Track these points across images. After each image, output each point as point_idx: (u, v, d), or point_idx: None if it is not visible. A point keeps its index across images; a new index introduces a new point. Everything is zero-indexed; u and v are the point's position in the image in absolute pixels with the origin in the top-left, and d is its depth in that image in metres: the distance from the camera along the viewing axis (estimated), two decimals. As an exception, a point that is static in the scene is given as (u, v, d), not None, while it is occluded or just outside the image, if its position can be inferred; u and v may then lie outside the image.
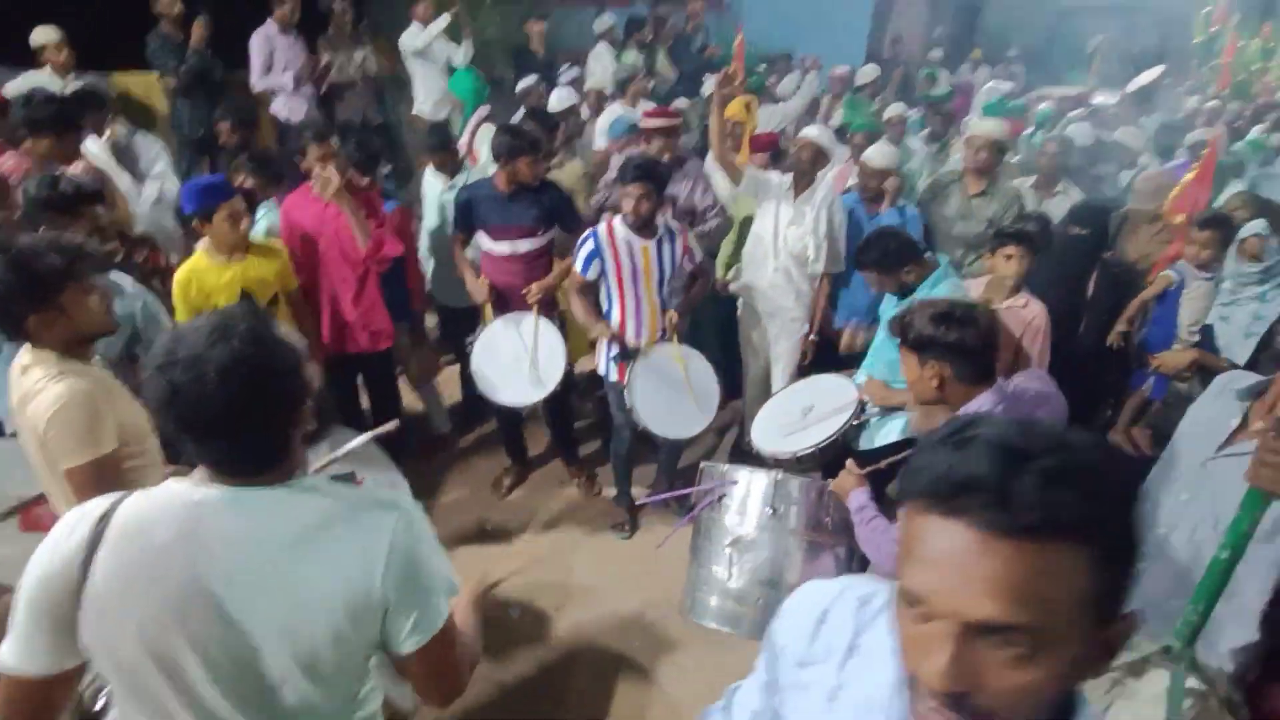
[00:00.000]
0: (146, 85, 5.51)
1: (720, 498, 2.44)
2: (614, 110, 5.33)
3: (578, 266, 3.28)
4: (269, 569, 1.11)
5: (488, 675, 2.80)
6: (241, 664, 1.11)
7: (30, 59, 4.48)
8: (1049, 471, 0.62)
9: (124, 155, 3.96)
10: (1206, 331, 3.07)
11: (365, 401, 3.76)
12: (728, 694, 1.08)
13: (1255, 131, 5.87)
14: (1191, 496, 1.68)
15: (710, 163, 4.12)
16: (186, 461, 1.17)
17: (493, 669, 2.83)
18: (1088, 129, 5.26)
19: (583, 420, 4.39)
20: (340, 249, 3.31)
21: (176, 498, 1.12)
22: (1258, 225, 3.09)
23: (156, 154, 4.10)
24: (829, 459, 2.75)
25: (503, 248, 3.47)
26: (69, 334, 1.77)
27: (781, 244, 3.66)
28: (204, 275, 2.81)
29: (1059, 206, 4.17)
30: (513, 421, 3.81)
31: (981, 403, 1.85)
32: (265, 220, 3.50)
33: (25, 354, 1.79)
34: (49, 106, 3.22)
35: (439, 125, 4.25)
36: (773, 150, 4.12)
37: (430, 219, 4.02)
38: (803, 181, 3.63)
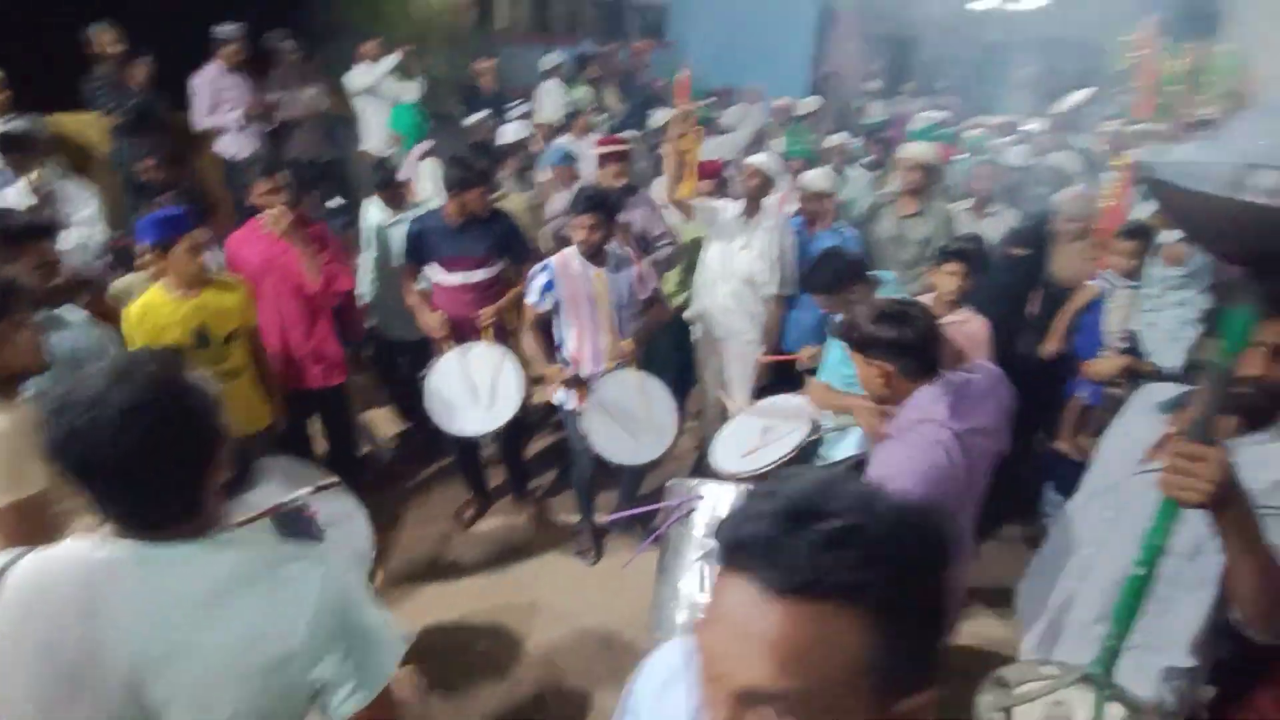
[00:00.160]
0: (85, 126, 5.42)
1: (689, 513, 2.46)
2: (560, 143, 5.45)
3: (531, 298, 3.30)
4: (178, 635, 1.01)
5: (457, 707, 2.76)
6: None
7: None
8: (830, 533, 0.60)
9: (50, 200, 3.84)
10: (1136, 337, 3.23)
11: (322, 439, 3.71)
12: None
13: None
14: (1116, 515, 1.62)
15: (660, 191, 4.24)
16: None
17: (461, 701, 2.79)
18: (1021, 153, 5.52)
19: (540, 448, 4.39)
20: (291, 284, 3.29)
21: (77, 557, 1.03)
22: (1179, 232, 3.28)
23: (85, 200, 3.96)
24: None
25: (455, 278, 3.49)
26: None
27: (733, 268, 3.76)
28: (159, 309, 2.75)
29: (993, 227, 4.37)
30: (471, 453, 3.79)
31: (928, 395, 1.90)
32: None
33: None
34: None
35: (384, 160, 4.26)
36: (717, 177, 4.24)
37: (371, 252, 4.02)
38: (751, 207, 3.74)
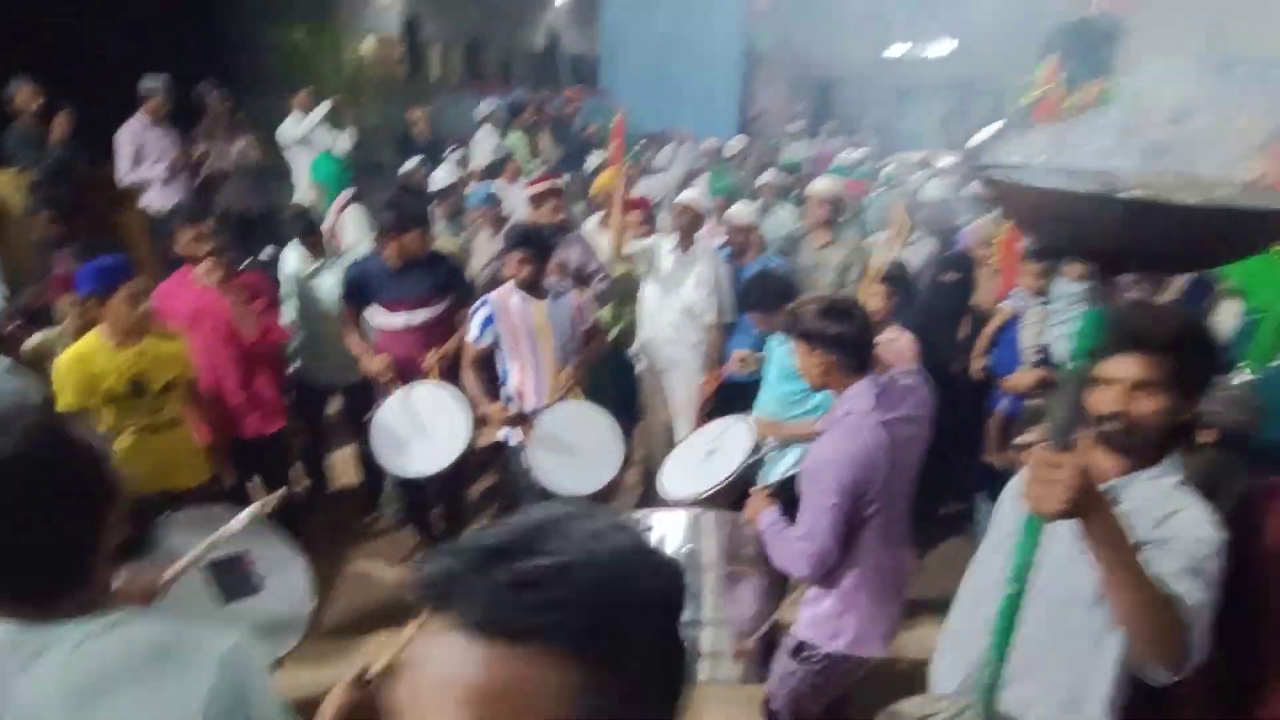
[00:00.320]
0: (2, 184, 5.26)
1: None
2: (483, 185, 5.55)
3: (471, 335, 3.33)
4: None
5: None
6: None
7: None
8: (525, 571, 0.56)
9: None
10: (1049, 350, 3.43)
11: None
12: None
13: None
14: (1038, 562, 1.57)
15: (593, 228, 4.35)
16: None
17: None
18: (938, 185, 5.84)
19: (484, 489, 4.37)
20: (222, 333, 3.25)
21: None
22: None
23: None
24: (736, 497, 2.88)
25: (398, 319, 3.49)
26: None
27: (672, 301, 3.87)
28: (95, 358, 2.68)
29: (916, 254, 4.61)
30: (418, 496, 3.75)
31: (857, 390, 2.05)
32: None
33: None
34: None
35: (302, 208, 4.16)
36: (645, 212, 4.36)
37: (292, 301, 3.94)
38: (685, 241, 3.87)
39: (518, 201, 5.01)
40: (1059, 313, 3.49)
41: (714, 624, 2.31)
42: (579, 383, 3.39)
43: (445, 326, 3.61)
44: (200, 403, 3.08)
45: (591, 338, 3.55)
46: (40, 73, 5.07)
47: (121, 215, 5.41)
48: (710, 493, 2.88)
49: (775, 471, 3.00)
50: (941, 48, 14.01)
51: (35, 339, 3.15)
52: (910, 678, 1.99)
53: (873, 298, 3.17)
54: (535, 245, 3.27)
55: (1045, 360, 3.40)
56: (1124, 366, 1.39)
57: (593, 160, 6.31)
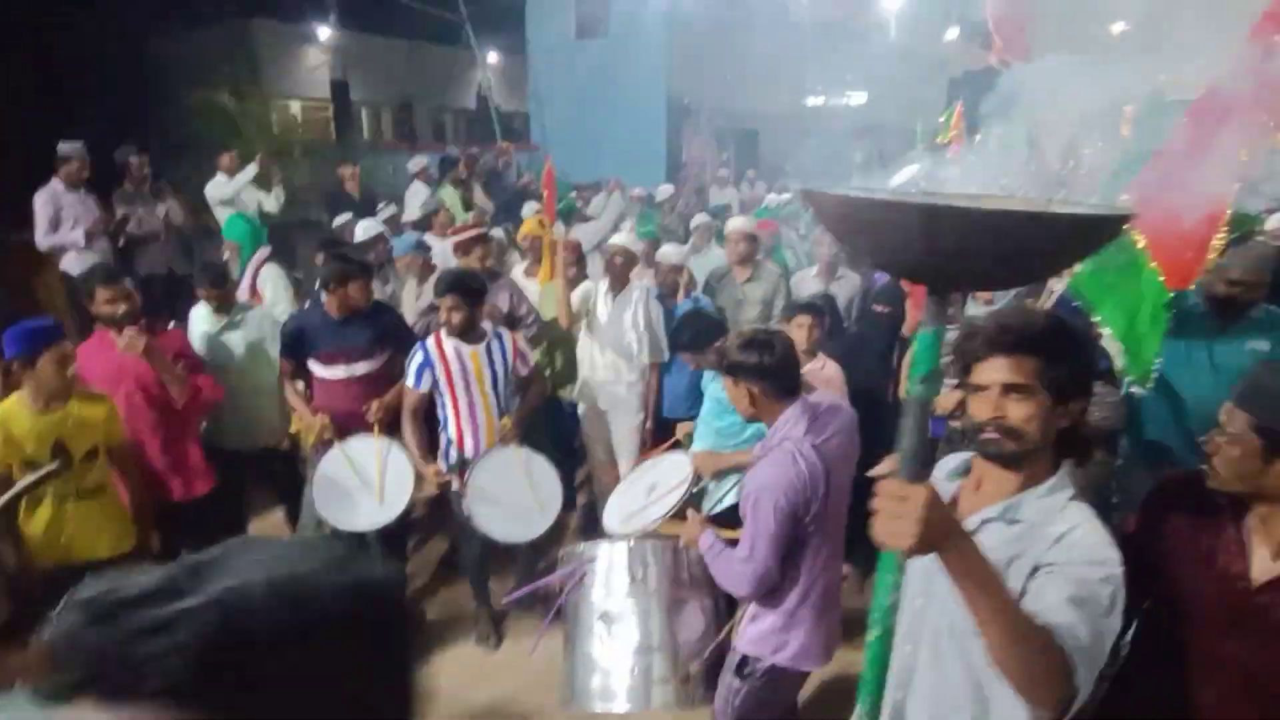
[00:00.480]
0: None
1: (582, 577, 2.50)
2: (410, 233, 5.59)
3: (409, 381, 3.32)
4: None
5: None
6: None
7: None
8: (135, 624, 0.54)
9: None
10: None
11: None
12: None
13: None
14: (926, 602, 1.47)
15: (520, 274, 4.44)
16: None
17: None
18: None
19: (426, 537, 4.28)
20: (145, 395, 3.16)
21: None
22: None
23: None
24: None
25: (338, 372, 3.46)
26: None
27: (609, 343, 3.94)
28: (15, 422, 2.58)
29: (843, 289, 4.81)
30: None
31: (788, 417, 2.14)
32: None
33: None
34: None
35: (212, 263, 4.05)
36: (574, 254, 4.45)
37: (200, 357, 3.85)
38: (618, 284, 3.96)
39: (446, 252, 5.06)
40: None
41: (662, 650, 2.33)
42: (517, 428, 3.38)
43: (386, 378, 3.58)
44: (129, 467, 2.98)
45: (532, 382, 3.57)
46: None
47: (40, 278, 5.24)
48: (654, 526, 2.90)
49: (715, 501, 3.05)
50: (857, 96, 14.78)
51: None
52: (841, 699, 2.03)
53: (797, 330, 3.28)
54: (467, 290, 3.29)
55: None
56: (993, 370, 1.36)
57: (528, 210, 6.41)
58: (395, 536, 3.65)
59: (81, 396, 2.76)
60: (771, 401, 2.16)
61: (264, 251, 4.87)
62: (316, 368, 3.48)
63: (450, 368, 3.31)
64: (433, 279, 4.54)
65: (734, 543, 2.18)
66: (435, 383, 3.32)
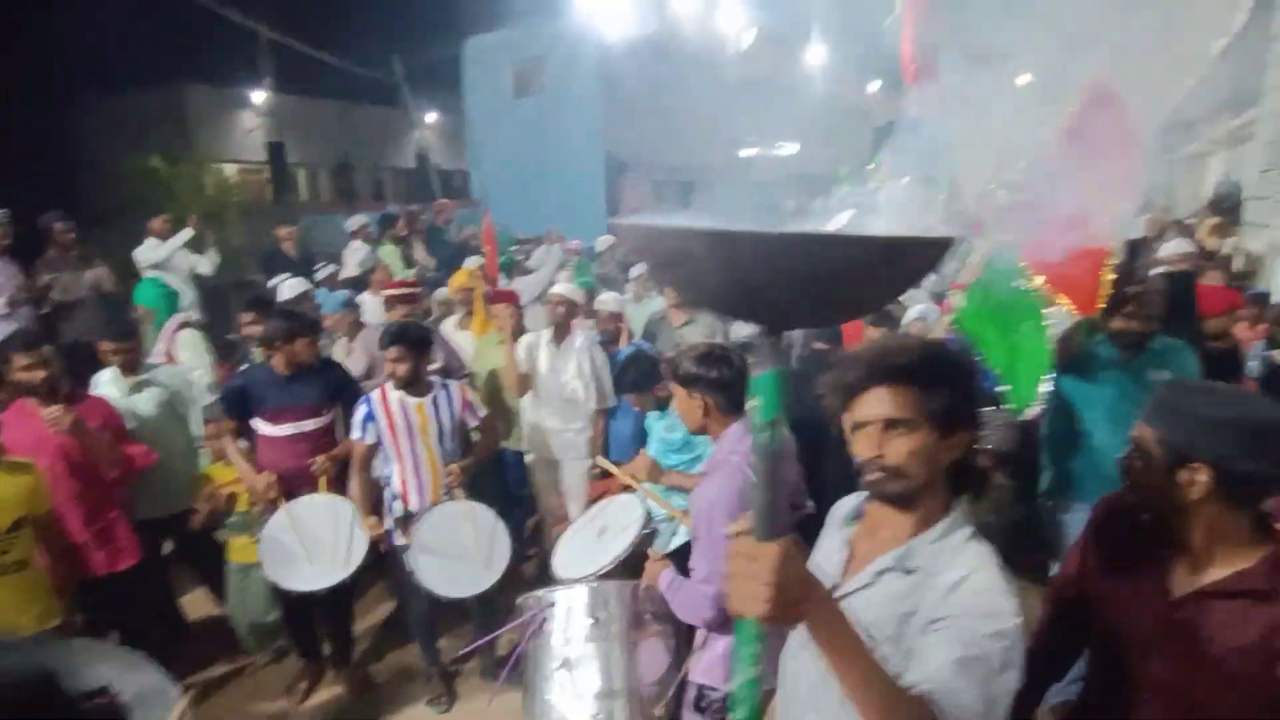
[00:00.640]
0: None
1: (542, 624, 2.47)
2: (363, 297, 5.57)
3: (355, 433, 3.29)
4: None
5: None
6: None
7: None
8: None
9: None
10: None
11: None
12: None
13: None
14: (811, 653, 1.27)
15: (449, 328, 4.56)
16: None
17: None
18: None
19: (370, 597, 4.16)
20: (67, 464, 3.04)
21: None
22: (918, 311, 3.93)
23: None
24: (633, 570, 2.91)
25: (285, 429, 3.40)
26: None
27: (554, 391, 3.96)
28: None
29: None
30: (302, 615, 3.53)
31: (733, 434, 2.19)
32: None
33: None
34: None
35: (123, 323, 3.92)
36: (513, 305, 4.51)
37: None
38: (560, 332, 4.01)
39: (378, 308, 5.08)
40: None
41: (625, 694, 2.30)
42: (462, 480, 3.33)
43: (333, 435, 3.54)
44: (55, 541, 2.84)
45: (480, 433, 3.54)
46: None
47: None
48: (607, 570, 2.89)
49: (668, 542, 3.06)
50: (789, 146, 15.37)
51: None
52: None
53: None
54: (412, 342, 3.29)
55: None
56: (872, 404, 1.28)
57: (470, 264, 6.45)
58: (342, 596, 3.56)
59: (6, 467, 2.65)
60: (721, 415, 2.22)
61: (180, 316, 4.78)
62: (263, 426, 3.42)
63: (394, 420, 3.28)
64: (360, 335, 4.54)
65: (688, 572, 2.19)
66: (379, 436, 3.28)
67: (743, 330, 4.70)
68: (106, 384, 3.59)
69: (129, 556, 3.22)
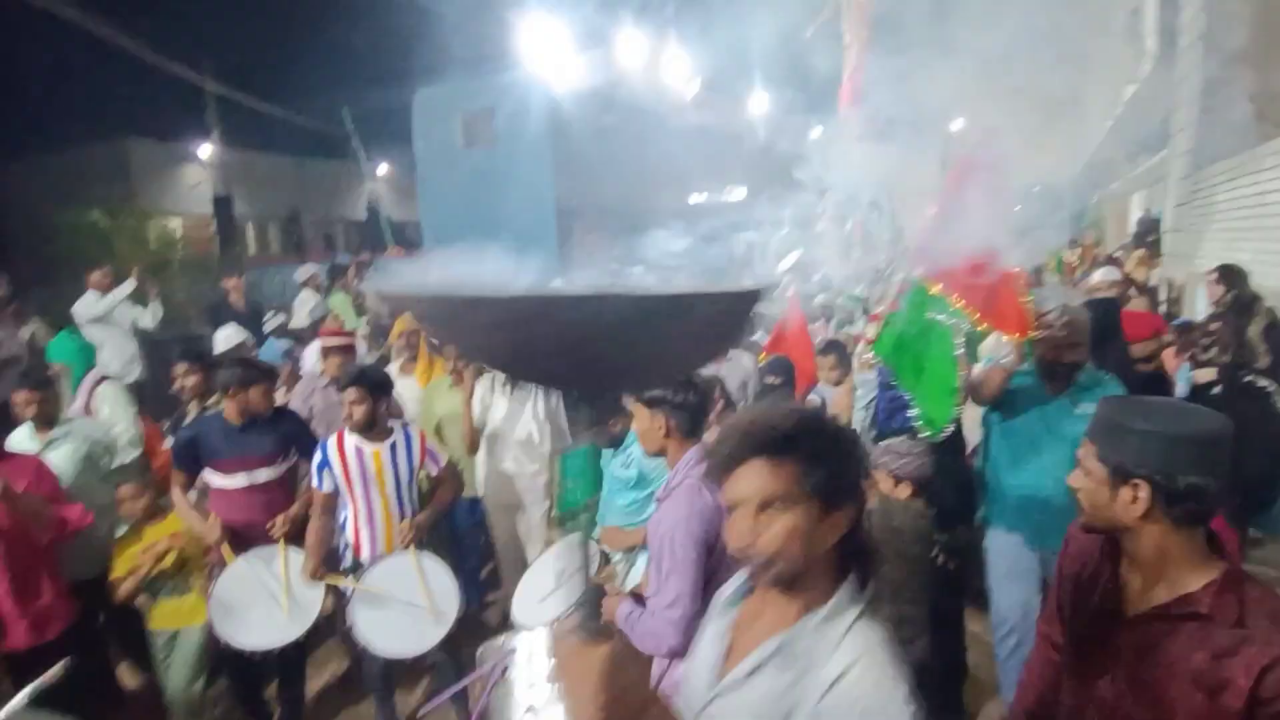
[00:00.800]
0: None
1: (504, 671, 2.42)
2: (278, 342, 5.51)
3: (313, 481, 3.22)
4: None
5: None
6: None
7: None
8: None
9: None
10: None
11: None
12: None
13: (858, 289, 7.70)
14: None
15: (393, 372, 4.54)
16: None
17: None
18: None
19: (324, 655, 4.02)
20: None
21: None
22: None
23: None
24: (594, 609, 2.88)
25: (238, 480, 3.31)
26: None
27: (510, 435, 3.94)
28: None
29: (734, 371, 5.04)
30: (251, 675, 3.38)
31: (689, 459, 2.24)
32: None
33: None
34: None
35: (37, 375, 3.73)
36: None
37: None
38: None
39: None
40: (862, 399, 3.92)
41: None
42: (418, 532, 3.23)
43: (289, 485, 3.46)
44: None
45: (441, 483, 3.43)
46: None
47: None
48: (567, 614, 2.86)
49: (628, 582, 3.05)
50: (737, 192, 15.78)
51: None
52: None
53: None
54: (371, 384, 3.22)
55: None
56: (745, 481, 1.19)
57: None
58: (293, 653, 3.44)
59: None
60: (681, 438, 2.27)
61: (98, 371, 4.64)
62: (215, 478, 3.32)
63: (349, 467, 3.21)
64: (297, 386, 4.46)
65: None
66: (335, 482, 3.22)
67: (724, 369, 4.78)
68: (21, 441, 3.43)
69: (58, 623, 3.05)
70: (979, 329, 3.08)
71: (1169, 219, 8.50)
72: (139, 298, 6.19)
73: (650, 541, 2.21)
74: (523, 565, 3.98)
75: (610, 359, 0.90)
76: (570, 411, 3.22)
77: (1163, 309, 7.28)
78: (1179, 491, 1.36)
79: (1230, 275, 4.58)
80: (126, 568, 3.25)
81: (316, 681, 3.85)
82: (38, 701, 1.79)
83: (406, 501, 3.29)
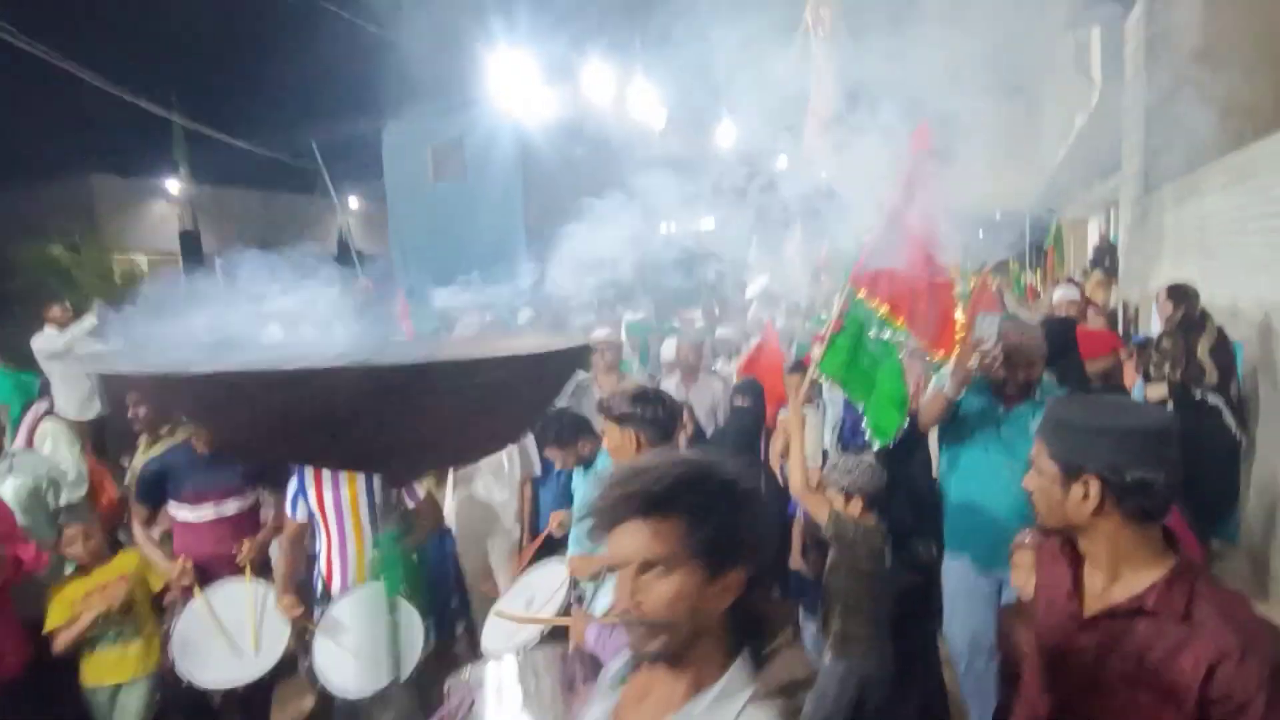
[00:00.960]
0: None
1: (472, 704, 2.39)
2: None
3: (287, 509, 3.18)
4: None
5: None
6: None
7: None
8: None
9: None
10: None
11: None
12: None
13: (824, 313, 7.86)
14: None
15: None
16: None
17: None
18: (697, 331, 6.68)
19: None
20: None
21: None
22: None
23: None
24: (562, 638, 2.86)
25: (205, 512, 3.26)
26: None
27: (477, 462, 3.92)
28: None
29: (702, 396, 5.10)
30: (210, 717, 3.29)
31: None
32: None
33: None
34: None
35: None
36: None
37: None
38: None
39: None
40: (832, 420, 3.95)
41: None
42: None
43: (256, 516, 3.41)
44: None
45: (418, 515, 3.38)
46: None
47: None
48: (538, 639, 2.84)
49: (597, 604, 3.03)
50: (706, 221, 15.99)
51: None
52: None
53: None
54: None
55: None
56: (624, 542, 1.07)
57: (391, 343, 6.49)
58: (258, 690, 3.36)
59: None
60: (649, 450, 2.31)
61: (42, 405, 4.54)
62: (181, 510, 3.27)
63: (324, 495, 3.16)
64: None
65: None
66: (309, 511, 3.17)
67: (693, 393, 4.84)
68: None
69: (13, 661, 2.95)
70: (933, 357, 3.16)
71: (1123, 241, 8.78)
72: (100, 332, 6.10)
73: None
74: (493, 595, 3.94)
75: (378, 435, 0.79)
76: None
77: (1122, 328, 7.48)
78: (1128, 485, 1.36)
79: (1179, 294, 4.73)
80: (64, 615, 3.01)
81: (282, 718, 3.76)
82: None
83: (382, 531, 3.25)
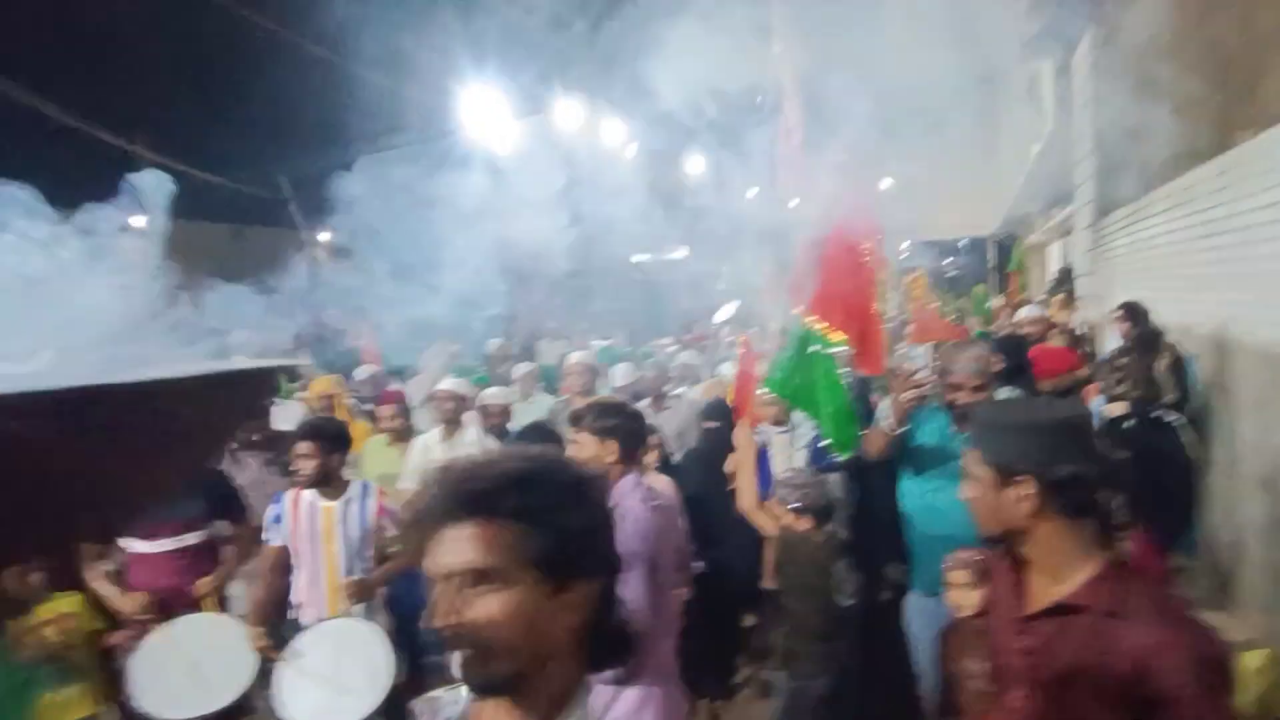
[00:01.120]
0: None
1: None
2: None
3: (265, 534, 3.16)
4: None
5: None
6: None
7: None
8: None
9: None
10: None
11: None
12: None
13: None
14: None
15: None
16: None
17: None
18: (687, 355, 6.72)
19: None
20: None
21: None
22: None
23: None
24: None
25: (164, 545, 3.21)
26: None
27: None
28: None
29: (671, 419, 5.14)
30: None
31: (630, 483, 2.41)
32: None
33: None
34: None
35: None
36: (398, 406, 4.47)
37: None
38: (450, 427, 4.01)
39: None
40: (802, 439, 3.99)
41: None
42: (360, 593, 3.11)
43: (213, 548, 3.37)
44: None
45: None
46: None
47: None
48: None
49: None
50: (679, 250, 16.17)
51: None
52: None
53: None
54: (322, 438, 3.15)
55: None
56: (449, 550, 0.92)
57: (361, 373, 6.48)
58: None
59: None
60: (622, 462, 2.40)
61: None
62: (137, 544, 3.21)
63: (300, 522, 3.12)
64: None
65: None
66: (286, 538, 3.13)
67: (662, 418, 4.88)
68: None
69: None
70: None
71: (1080, 265, 9.04)
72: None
73: None
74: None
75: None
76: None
77: (1085, 348, 7.67)
78: (1061, 481, 1.38)
79: (1133, 312, 4.88)
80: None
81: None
82: None
83: (356, 561, 3.17)
